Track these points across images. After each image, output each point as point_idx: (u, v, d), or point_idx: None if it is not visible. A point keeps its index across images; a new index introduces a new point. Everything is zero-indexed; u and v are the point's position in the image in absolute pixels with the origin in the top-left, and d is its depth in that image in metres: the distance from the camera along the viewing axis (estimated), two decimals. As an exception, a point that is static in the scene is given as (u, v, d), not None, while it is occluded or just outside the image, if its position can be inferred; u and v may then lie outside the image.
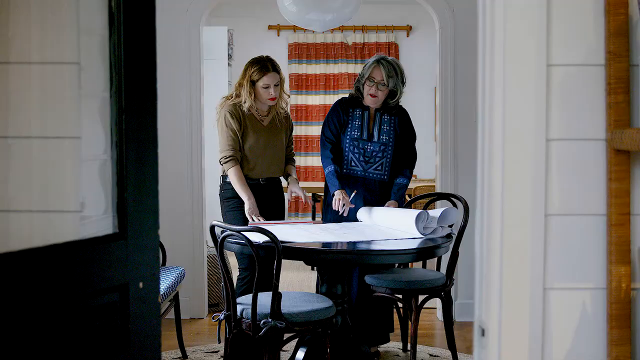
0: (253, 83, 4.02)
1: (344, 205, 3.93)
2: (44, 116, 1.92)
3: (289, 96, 4.27)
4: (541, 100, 1.77)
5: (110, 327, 1.73)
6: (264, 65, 4.02)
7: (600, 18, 1.76)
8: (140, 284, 1.78)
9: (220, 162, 4.09)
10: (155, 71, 1.82)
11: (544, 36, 1.76)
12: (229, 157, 4.02)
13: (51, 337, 1.61)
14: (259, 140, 4.10)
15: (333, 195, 3.99)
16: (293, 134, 4.40)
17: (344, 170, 4.10)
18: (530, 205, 1.78)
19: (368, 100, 4.06)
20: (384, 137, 4.08)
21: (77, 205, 2.00)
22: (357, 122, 4.09)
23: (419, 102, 8.26)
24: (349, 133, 4.08)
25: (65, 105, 1.92)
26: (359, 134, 4.08)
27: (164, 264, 4.25)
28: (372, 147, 4.07)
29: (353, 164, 4.08)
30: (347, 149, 4.09)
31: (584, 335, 1.79)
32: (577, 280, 1.79)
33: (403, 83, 4.07)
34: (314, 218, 6.90)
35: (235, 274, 5.50)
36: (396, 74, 4.00)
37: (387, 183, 4.12)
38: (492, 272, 1.81)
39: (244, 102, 4.03)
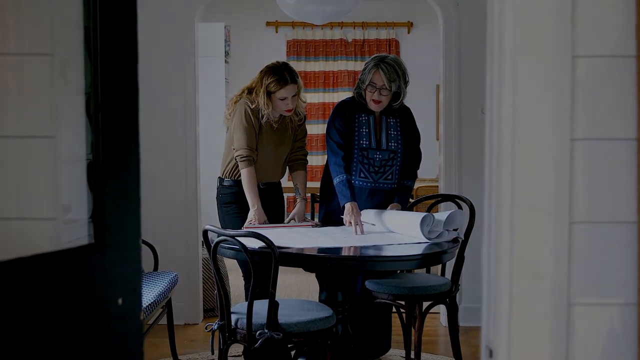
0: (269, 94, 3.84)
1: (356, 224, 3.58)
2: (15, 113, 1.75)
3: (305, 102, 4.05)
4: (565, 96, 1.59)
5: (86, 348, 1.56)
6: (282, 77, 3.81)
7: (631, 4, 1.58)
8: (120, 300, 1.60)
9: (235, 159, 3.92)
10: (136, 64, 1.64)
11: (568, 24, 1.58)
12: (245, 157, 3.85)
13: (17, 362, 1.43)
14: (268, 146, 3.94)
15: (343, 207, 3.70)
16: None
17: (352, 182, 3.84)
18: (550, 211, 1.60)
19: (372, 106, 3.82)
20: (392, 144, 3.85)
21: (55, 212, 1.83)
22: (364, 130, 3.83)
23: (421, 101, 8.09)
24: (356, 142, 3.82)
25: (39, 101, 1.75)
26: (367, 142, 3.82)
27: (155, 268, 4.07)
28: (381, 156, 3.82)
29: (362, 175, 3.83)
30: (355, 160, 3.83)
31: (611, 356, 1.61)
32: (604, 295, 1.62)
33: (406, 83, 3.83)
34: (313, 219, 6.73)
35: (231, 279, 5.36)
36: (398, 76, 3.74)
37: (396, 189, 3.93)
38: (500, 286, 1.63)
39: (262, 112, 3.85)
